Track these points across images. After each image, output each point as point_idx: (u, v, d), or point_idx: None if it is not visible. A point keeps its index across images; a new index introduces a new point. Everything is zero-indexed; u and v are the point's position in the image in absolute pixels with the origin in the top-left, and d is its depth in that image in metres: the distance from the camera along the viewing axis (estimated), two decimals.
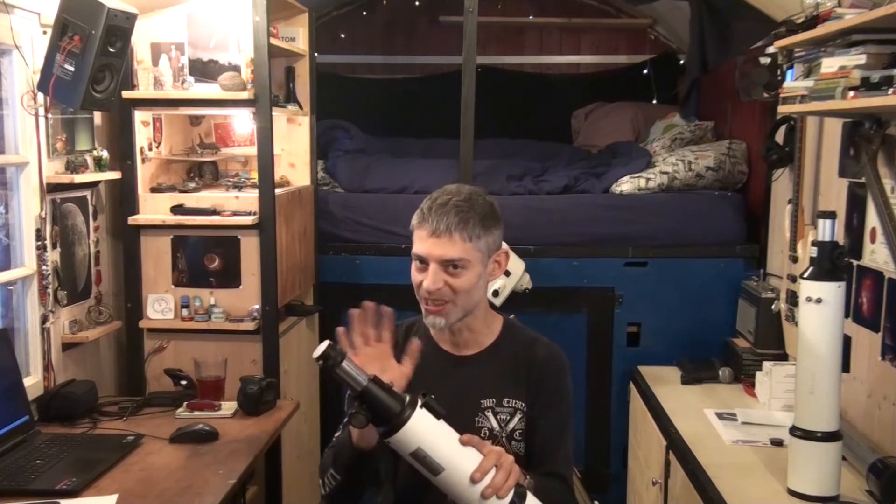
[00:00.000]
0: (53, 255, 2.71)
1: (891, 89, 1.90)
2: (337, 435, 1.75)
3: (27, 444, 2.38)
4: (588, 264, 3.75)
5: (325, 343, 1.51)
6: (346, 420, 1.77)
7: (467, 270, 1.69)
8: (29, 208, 2.62)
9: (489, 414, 1.77)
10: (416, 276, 1.73)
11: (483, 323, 1.82)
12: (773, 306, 3.18)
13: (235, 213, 3.03)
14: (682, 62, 4.82)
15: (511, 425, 1.77)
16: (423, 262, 1.70)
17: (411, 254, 1.73)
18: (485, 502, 1.50)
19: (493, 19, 4.96)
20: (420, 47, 5.25)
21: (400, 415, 1.48)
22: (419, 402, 1.50)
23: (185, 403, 2.79)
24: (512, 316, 1.97)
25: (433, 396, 1.52)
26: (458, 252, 1.67)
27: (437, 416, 1.51)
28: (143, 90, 2.99)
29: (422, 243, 1.69)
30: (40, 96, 2.59)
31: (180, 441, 2.50)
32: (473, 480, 1.48)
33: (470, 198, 1.71)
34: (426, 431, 1.49)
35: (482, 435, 1.74)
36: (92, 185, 2.92)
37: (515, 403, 1.78)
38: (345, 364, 1.51)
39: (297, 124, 3.59)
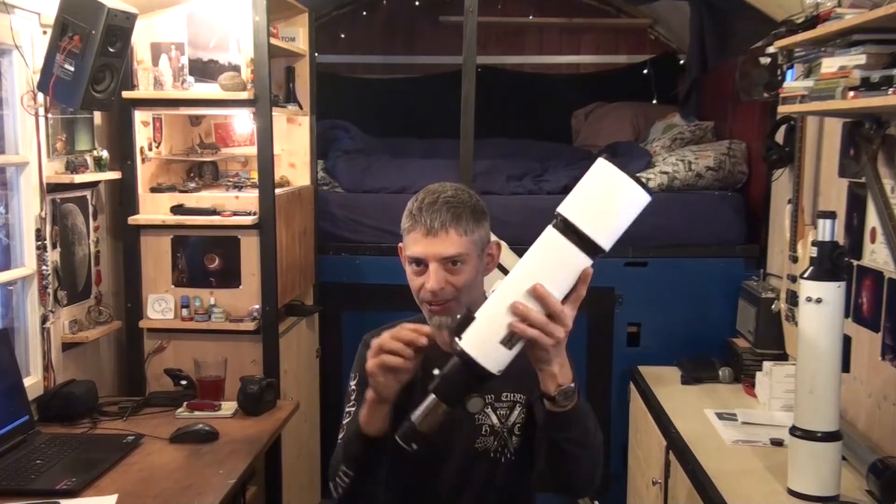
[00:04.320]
0: (53, 255, 2.71)
1: (891, 89, 1.90)
2: (341, 436, 1.74)
3: (27, 444, 2.38)
4: None
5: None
6: (347, 411, 1.76)
7: (466, 265, 1.68)
8: (29, 208, 2.62)
9: (488, 410, 1.76)
10: (414, 280, 1.69)
11: None
12: (773, 306, 3.17)
13: (235, 213, 3.04)
14: (682, 62, 4.82)
15: (511, 419, 1.77)
16: (421, 263, 1.68)
17: (406, 258, 1.71)
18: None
19: (493, 19, 4.96)
20: (420, 47, 5.25)
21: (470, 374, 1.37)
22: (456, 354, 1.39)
23: (185, 403, 2.79)
24: None
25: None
26: (456, 248, 1.66)
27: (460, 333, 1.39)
28: (143, 90, 3.00)
29: (417, 245, 1.66)
30: (40, 96, 2.59)
31: (180, 441, 2.50)
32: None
33: (456, 193, 1.69)
34: (481, 341, 1.38)
35: (483, 432, 1.74)
36: (92, 185, 2.92)
37: (514, 396, 1.77)
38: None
39: (297, 124, 3.59)
